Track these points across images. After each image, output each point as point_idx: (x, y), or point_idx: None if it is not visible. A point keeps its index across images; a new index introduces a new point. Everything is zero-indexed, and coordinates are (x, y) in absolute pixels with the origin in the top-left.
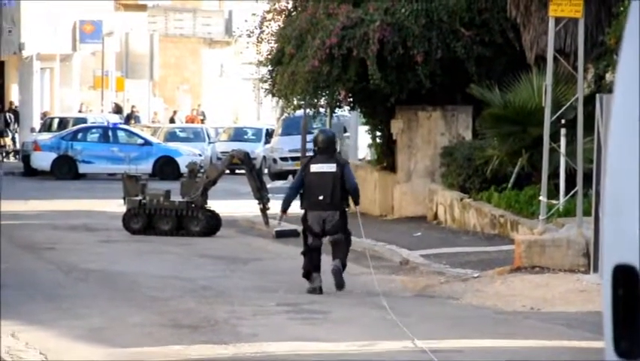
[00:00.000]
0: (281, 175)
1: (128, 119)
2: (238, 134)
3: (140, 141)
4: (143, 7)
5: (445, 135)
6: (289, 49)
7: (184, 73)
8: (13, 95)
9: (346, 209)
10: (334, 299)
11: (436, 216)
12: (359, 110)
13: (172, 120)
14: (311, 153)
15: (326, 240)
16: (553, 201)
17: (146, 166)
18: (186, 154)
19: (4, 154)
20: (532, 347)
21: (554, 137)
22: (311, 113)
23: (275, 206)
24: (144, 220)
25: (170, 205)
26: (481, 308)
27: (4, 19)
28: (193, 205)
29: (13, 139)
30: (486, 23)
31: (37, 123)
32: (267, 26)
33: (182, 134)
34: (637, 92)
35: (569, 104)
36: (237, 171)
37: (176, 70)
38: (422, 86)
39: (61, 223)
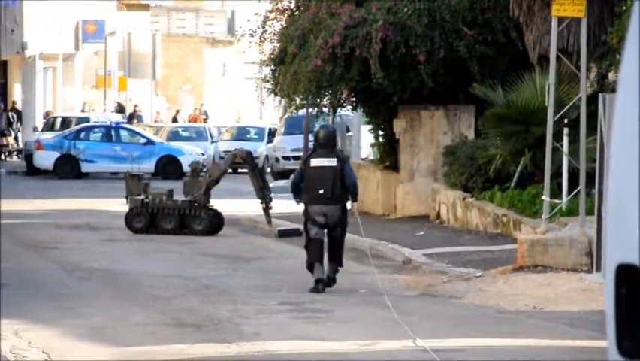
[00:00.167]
0: (283, 174)
1: (130, 118)
2: (241, 134)
3: (142, 140)
4: (145, 7)
5: (448, 135)
6: (292, 48)
7: (186, 72)
8: (16, 94)
9: (347, 205)
10: (337, 298)
11: (438, 216)
12: (362, 109)
13: (174, 120)
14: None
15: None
16: (556, 201)
17: (149, 165)
18: (189, 153)
19: (6, 153)
20: (534, 347)
21: (557, 136)
22: (313, 112)
23: (277, 205)
24: (147, 219)
25: (172, 204)
26: (483, 307)
27: (7, 18)
28: (196, 204)
29: (16, 138)
30: (489, 22)
31: (39, 123)
32: (270, 26)
33: (184, 134)
34: None
35: (571, 103)
36: (240, 171)
37: (178, 69)
38: (425, 85)
39: (63, 222)
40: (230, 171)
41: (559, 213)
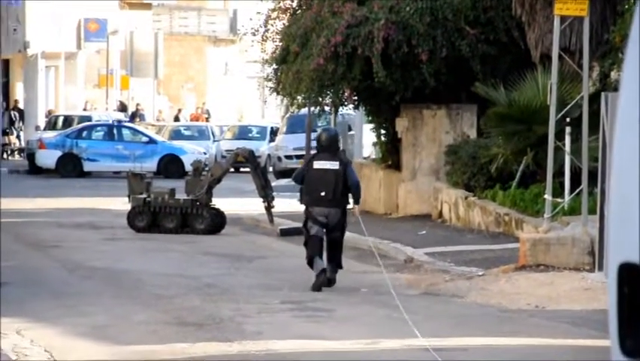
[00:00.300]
0: (285, 173)
1: (132, 117)
2: (243, 133)
3: (144, 139)
4: (147, 6)
5: (450, 134)
6: (294, 47)
7: (189, 71)
8: (18, 93)
9: (348, 208)
10: (338, 297)
11: (440, 215)
12: (364, 108)
13: (177, 118)
14: (315, 151)
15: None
16: (559, 200)
17: (151, 164)
18: (191, 152)
19: (9, 152)
20: (536, 346)
21: (559, 135)
22: (316, 111)
23: (279, 204)
24: (149, 218)
25: (174, 203)
26: (485, 306)
27: (9, 17)
28: (198, 203)
29: (18, 137)
30: (491, 22)
31: (42, 121)
32: (272, 24)
33: (186, 133)
34: None
35: (574, 102)
36: (242, 169)
37: (180, 68)
38: (427, 84)
39: (66, 221)
40: (232, 170)
41: (561, 213)
